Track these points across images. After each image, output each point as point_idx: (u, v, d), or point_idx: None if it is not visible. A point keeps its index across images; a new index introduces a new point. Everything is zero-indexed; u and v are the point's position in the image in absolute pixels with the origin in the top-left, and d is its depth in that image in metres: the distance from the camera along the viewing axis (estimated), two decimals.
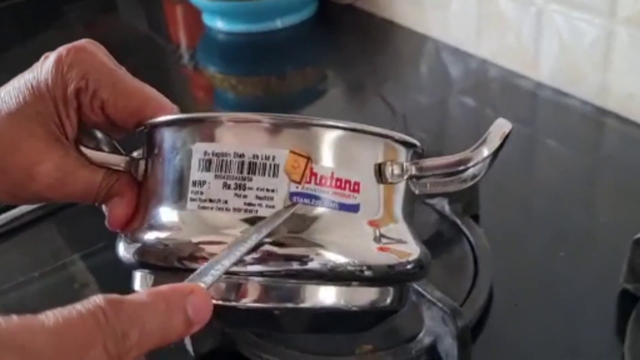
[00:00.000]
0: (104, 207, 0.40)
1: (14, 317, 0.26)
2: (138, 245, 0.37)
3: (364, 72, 1.04)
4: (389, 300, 0.38)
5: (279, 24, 1.13)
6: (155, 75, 1.11)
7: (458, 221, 0.64)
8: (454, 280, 0.59)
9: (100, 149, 0.40)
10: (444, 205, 0.65)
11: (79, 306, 0.27)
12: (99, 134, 0.41)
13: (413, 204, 0.39)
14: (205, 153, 0.35)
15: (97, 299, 0.28)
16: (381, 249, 0.36)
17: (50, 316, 0.26)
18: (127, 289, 0.39)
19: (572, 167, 0.77)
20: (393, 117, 0.92)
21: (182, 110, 0.40)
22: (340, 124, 0.35)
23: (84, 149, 0.39)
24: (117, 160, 0.39)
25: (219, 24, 1.16)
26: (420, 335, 0.52)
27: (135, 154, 0.40)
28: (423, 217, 0.64)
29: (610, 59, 0.82)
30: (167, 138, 0.37)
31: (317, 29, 1.15)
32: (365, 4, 1.16)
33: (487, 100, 0.93)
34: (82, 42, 0.39)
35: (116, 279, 0.38)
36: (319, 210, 0.35)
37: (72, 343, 0.26)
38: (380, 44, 1.11)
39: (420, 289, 0.52)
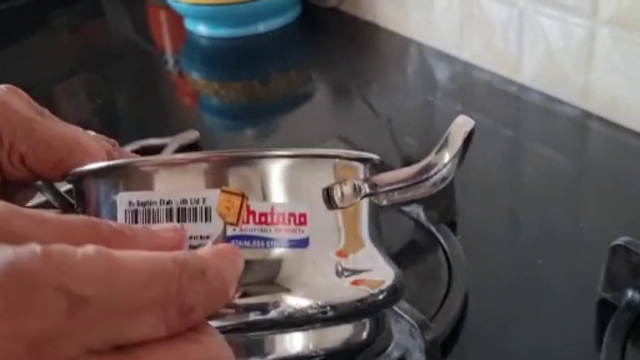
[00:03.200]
0: None
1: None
2: None
3: (348, 75, 1.03)
4: (364, 334, 0.34)
5: (261, 27, 1.12)
6: (141, 81, 1.11)
7: (433, 229, 0.62)
8: (427, 291, 0.57)
9: (43, 203, 0.37)
10: (420, 212, 0.63)
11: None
12: (38, 182, 0.38)
13: (378, 218, 0.36)
14: (130, 203, 0.32)
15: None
16: (354, 282, 0.33)
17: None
18: None
19: (554, 171, 0.76)
20: (377, 120, 0.91)
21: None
22: (279, 152, 0.32)
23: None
24: None
25: (201, 29, 1.14)
26: (389, 349, 0.51)
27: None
28: (397, 225, 0.63)
29: (593, 60, 0.81)
30: (92, 189, 0.34)
31: (301, 33, 1.14)
32: (348, 7, 1.15)
33: (471, 103, 0.92)
34: None
35: None
36: (264, 252, 0.31)
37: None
38: (364, 47, 1.10)
39: None
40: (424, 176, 0.34)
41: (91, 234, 0.26)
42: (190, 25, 1.16)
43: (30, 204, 0.39)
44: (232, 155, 0.32)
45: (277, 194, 0.32)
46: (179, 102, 1.08)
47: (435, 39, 1.01)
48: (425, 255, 0.61)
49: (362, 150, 0.36)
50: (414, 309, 0.50)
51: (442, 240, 0.61)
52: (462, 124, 0.34)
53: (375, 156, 0.36)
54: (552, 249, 0.63)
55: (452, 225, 0.65)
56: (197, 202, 0.31)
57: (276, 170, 0.32)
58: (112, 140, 0.38)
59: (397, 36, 1.07)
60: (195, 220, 0.31)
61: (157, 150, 0.84)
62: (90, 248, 0.23)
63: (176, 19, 1.19)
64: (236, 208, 0.31)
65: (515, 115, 0.89)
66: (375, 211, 0.35)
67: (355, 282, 0.33)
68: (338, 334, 0.33)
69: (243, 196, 0.31)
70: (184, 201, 0.31)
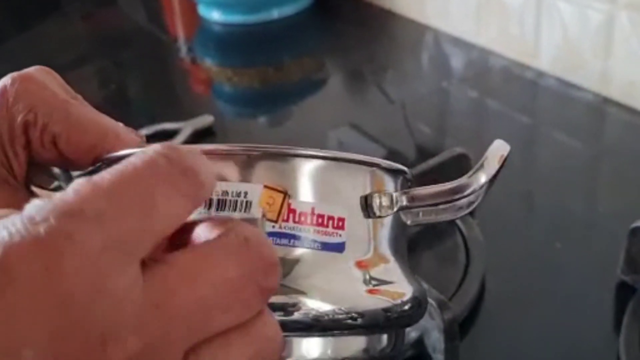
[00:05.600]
0: None
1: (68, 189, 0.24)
2: None
3: (362, 62, 1.02)
4: (384, 346, 0.34)
5: (275, 14, 1.11)
6: (154, 68, 1.11)
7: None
8: (445, 272, 0.57)
9: (58, 188, 0.36)
10: None
11: (134, 158, 0.25)
12: (56, 170, 0.37)
13: (404, 236, 0.36)
14: None
15: (155, 146, 0.25)
16: (371, 291, 0.32)
17: (104, 175, 0.24)
18: None
19: (572, 156, 0.75)
20: (391, 107, 0.90)
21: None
22: (320, 153, 0.31)
23: (35, 189, 0.35)
24: None
25: (214, 15, 1.14)
26: (407, 329, 0.50)
27: None
28: None
29: (612, 45, 0.80)
30: None
31: (315, 19, 1.14)
32: None
33: (487, 90, 0.91)
34: (31, 70, 0.35)
35: None
36: (300, 251, 0.31)
37: (132, 195, 0.24)
38: (379, 33, 1.09)
39: None
40: (457, 195, 0.33)
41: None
42: (204, 11, 1.16)
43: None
44: (276, 152, 0.31)
45: (318, 195, 0.32)
46: (192, 89, 1.08)
47: (452, 25, 1.00)
48: (443, 237, 0.61)
49: (391, 157, 0.35)
50: (432, 289, 0.49)
51: (459, 223, 0.61)
52: (499, 148, 0.34)
53: (407, 170, 0.35)
54: (571, 232, 0.63)
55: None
56: (239, 195, 0.30)
57: (319, 172, 0.32)
58: (140, 134, 0.38)
59: (413, 23, 1.06)
60: (234, 213, 0.30)
61: (171, 134, 0.84)
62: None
63: (189, 5, 1.19)
64: (277, 205, 0.31)
65: (533, 101, 0.88)
66: (402, 228, 0.35)
67: (380, 292, 0.32)
68: (358, 344, 0.33)
69: (285, 194, 0.31)
70: (225, 192, 0.30)
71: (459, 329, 0.49)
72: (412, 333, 0.50)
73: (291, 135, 0.87)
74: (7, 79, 0.34)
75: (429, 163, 0.63)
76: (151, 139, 0.85)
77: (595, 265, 0.59)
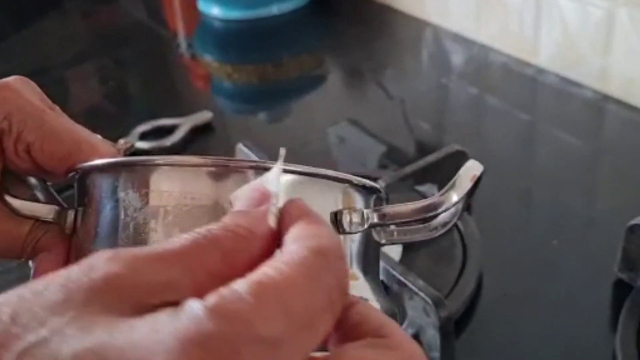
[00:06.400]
0: (30, 263, 0.36)
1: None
2: None
3: (361, 58, 1.02)
4: None
5: (275, 10, 1.11)
6: (154, 64, 1.11)
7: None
8: (441, 270, 0.57)
9: (33, 197, 0.36)
10: (434, 192, 0.63)
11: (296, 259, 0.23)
12: (32, 180, 0.37)
13: (378, 253, 0.36)
14: (134, 205, 0.31)
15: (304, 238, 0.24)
16: None
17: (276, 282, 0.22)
18: None
19: (571, 153, 0.75)
20: (390, 103, 0.90)
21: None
22: (293, 168, 0.31)
23: (8, 199, 0.35)
24: (46, 211, 0.35)
25: (214, 11, 1.14)
26: (403, 326, 0.50)
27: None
28: None
29: (611, 42, 0.80)
30: (98, 185, 0.33)
31: (314, 15, 1.13)
32: None
33: (487, 86, 0.91)
34: (9, 79, 0.35)
35: None
36: None
37: (304, 316, 0.22)
38: (379, 29, 1.09)
39: (402, 278, 0.50)
40: (429, 214, 0.34)
41: (215, 251, 0.25)
42: (204, 7, 1.15)
43: None
44: (250, 165, 0.32)
45: None
46: (191, 85, 1.08)
47: (451, 21, 1.00)
48: (440, 235, 0.60)
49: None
50: (428, 287, 0.49)
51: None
52: (471, 168, 0.34)
53: (382, 188, 0.35)
54: (568, 230, 0.63)
55: (467, 206, 0.64)
56: (209, 206, 0.31)
57: (291, 186, 0.32)
58: (118, 146, 0.38)
59: (413, 19, 1.06)
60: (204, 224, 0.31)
61: (170, 130, 0.84)
62: (247, 285, 0.22)
63: (189, 2, 1.19)
64: None
65: (532, 98, 0.88)
66: (374, 246, 0.35)
67: None
68: None
69: None
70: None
71: (455, 327, 0.49)
72: (408, 330, 0.50)
73: (290, 132, 0.87)
74: None
75: (427, 160, 0.63)
76: (150, 134, 0.85)
77: (593, 262, 0.59)
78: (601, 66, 0.81)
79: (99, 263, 0.22)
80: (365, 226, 0.33)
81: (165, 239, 0.30)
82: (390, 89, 0.94)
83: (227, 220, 0.26)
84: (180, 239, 0.24)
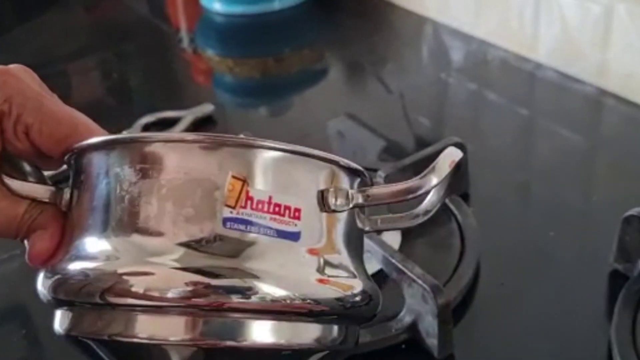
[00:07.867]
0: (26, 242, 0.36)
1: None
2: (57, 277, 0.34)
3: (362, 53, 1.03)
4: (335, 336, 0.35)
5: (276, 5, 1.12)
6: (156, 59, 1.11)
7: (446, 200, 0.62)
8: (439, 259, 0.58)
9: (25, 180, 0.37)
10: None
11: None
12: (26, 165, 0.38)
13: (361, 239, 0.37)
14: (131, 180, 0.33)
15: None
16: (322, 280, 0.33)
17: None
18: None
19: (568, 148, 0.76)
20: (390, 98, 0.91)
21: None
22: (282, 146, 0.33)
23: (5, 179, 0.36)
24: (42, 191, 0.36)
25: (216, 6, 1.14)
26: (401, 313, 0.51)
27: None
28: None
29: (610, 37, 0.80)
30: (94, 163, 0.35)
31: (315, 10, 1.14)
32: None
33: (486, 81, 0.92)
34: (9, 66, 0.37)
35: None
36: (254, 236, 0.32)
37: None
38: (379, 24, 1.10)
39: (401, 266, 0.51)
40: (410, 195, 0.35)
41: None
42: (206, 2, 1.16)
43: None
44: (240, 142, 0.33)
45: (277, 185, 0.33)
46: (193, 79, 1.08)
47: (451, 17, 1.00)
48: (438, 224, 0.61)
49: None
50: (426, 275, 0.50)
51: (455, 211, 0.62)
52: (451, 154, 0.35)
53: (366, 172, 0.36)
54: (565, 221, 0.63)
55: (465, 197, 0.65)
56: (200, 179, 0.32)
57: (279, 163, 0.33)
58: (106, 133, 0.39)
59: (413, 14, 1.06)
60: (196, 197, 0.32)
61: (172, 122, 0.84)
62: None
63: None
64: (236, 192, 0.32)
65: (531, 93, 0.89)
66: (358, 229, 0.36)
67: (330, 283, 0.34)
68: (310, 332, 0.34)
69: (245, 181, 0.32)
70: (191, 178, 0.32)
71: (452, 314, 0.50)
72: (406, 317, 0.51)
73: (291, 125, 0.88)
74: None
75: (426, 151, 0.64)
76: (153, 126, 0.86)
77: (589, 253, 0.59)
78: (600, 61, 0.82)
79: None
80: (350, 206, 0.35)
81: (159, 212, 0.32)
82: (390, 84, 0.95)
83: None
84: None
